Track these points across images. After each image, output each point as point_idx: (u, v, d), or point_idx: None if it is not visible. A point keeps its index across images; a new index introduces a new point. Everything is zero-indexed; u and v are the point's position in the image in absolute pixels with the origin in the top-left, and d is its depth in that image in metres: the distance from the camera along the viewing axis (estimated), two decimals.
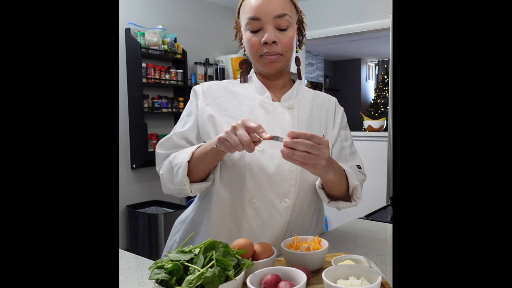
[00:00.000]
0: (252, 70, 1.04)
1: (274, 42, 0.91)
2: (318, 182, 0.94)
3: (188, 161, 0.87)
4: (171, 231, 1.10)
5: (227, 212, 0.93)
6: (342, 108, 1.07)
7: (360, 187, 0.93)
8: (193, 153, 0.88)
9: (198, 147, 0.90)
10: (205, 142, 0.95)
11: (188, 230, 1.02)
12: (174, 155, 0.92)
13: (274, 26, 0.91)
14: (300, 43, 1.05)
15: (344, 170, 0.91)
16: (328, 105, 1.05)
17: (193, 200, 1.05)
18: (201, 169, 0.89)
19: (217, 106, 0.97)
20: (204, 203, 1.00)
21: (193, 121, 0.97)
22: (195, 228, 1.00)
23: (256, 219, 0.91)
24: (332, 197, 0.94)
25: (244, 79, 1.03)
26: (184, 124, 0.98)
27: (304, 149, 0.73)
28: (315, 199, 0.98)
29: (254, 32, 0.93)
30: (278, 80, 1.00)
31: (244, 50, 1.00)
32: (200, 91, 1.00)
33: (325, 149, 0.75)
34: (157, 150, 0.97)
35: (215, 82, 1.03)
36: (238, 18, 1.00)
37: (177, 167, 0.88)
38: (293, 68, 1.05)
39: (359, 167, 1.00)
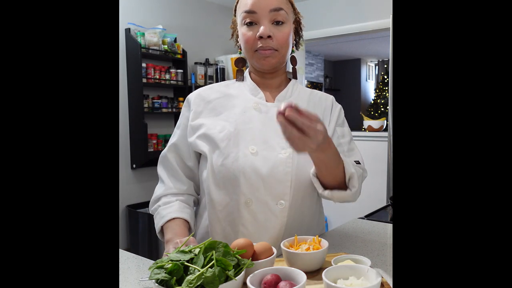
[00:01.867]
0: (247, 69, 1.04)
1: (269, 36, 0.90)
2: (312, 170, 0.92)
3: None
4: None
5: (222, 217, 0.92)
6: (339, 106, 1.06)
7: (357, 176, 0.89)
8: (163, 224, 0.95)
9: (170, 219, 0.94)
10: (200, 154, 0.98)
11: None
12: (159, 208, 0.98)
13: (269, 20, 0.91)
14: (297, 44, 1.05)
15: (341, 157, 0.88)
16: (325, 103, 1.04)
17: None
18: None
19: (211, 111, 0.97)
20: (200, 208, 1.01)
21: (179, 135, 1.01)
22: (194, 230, 1.01)
23: (253, 222, 0.90)
24: (326, 187, 0.91)
25: (240, 78, 1.03)
26: (173, 136, 1.03)
27: (300, 126, 0.68)
28: (313, 199, 0.98)
29: (249, 26, 0.92)
30: (273, 79, 1.00)
31: (240, 49, 1.00)
32: (192, 98, 1.01)
33: (319, 134, 0.70)
34: (158, 170, 1.04)
35: (209, 86, 1.04)
36: (235, 16, 1.00)
37: (155, 225, 0.97)
38: (290, 68, 1.05)
39: (357, 162, 0.98)
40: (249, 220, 0.90)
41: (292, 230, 0.93)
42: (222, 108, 0.97)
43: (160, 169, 1.03)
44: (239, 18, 0.95)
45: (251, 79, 1.01)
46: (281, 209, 0.90)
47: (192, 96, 1.02)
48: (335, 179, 0.89)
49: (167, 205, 0.97)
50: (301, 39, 1.06)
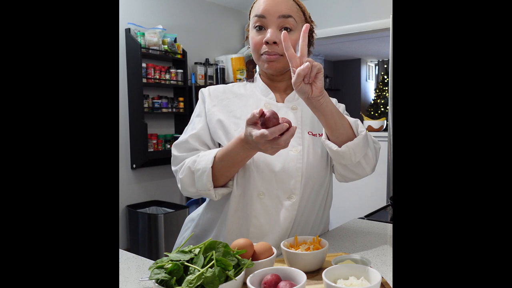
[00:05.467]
0: (258, 71, 1.07)
1: (274, 42, 0.93)
2: (323, 136, 0.93)
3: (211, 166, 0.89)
4: (181, 229, 1.12)
5: (239, 207, 0.95)
6: (342, 105, 1.09)
7: (361, 124, 0.93)
8: (214, 157, 0.89)
9: (217, 152, 0.90)
10: (219, 144, 0.97)
11: (199, 226, 1.04)
12: (192, 160, 0.93)
13: (278, 26, 0.94)
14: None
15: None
16: None
17: (194, 200, 1.07)
18: (224, 172, 0.90)
19: (224, 108, 1.00)
20: (218, 200, 1.00)
21: (203, 122, 0.99)
22: (208, 224, 1.02)
23: (264, 215, 0.94)
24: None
25: (251, 79, 1.06)
26: (195, 125, 1.00)
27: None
28: (321, 195, 1.01)
29: (259, 30, 0.96)
30: (281, 82, 1.03)
31: None
32: (207, 93, 1.03)
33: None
34: (174, 153, 0.99)
35: (221, 85, 1.06)
36: (249, 19, 1.03)
37: (199, 173, 0.90)
38: None
39: None
40: (261, 212, 0.94)
41: (300, 224, 0.97)
42: (234, 106, 1.00)
43: (180, 154, 0.97)
44: (251, 22, 0.99)
45: (261, 81, 1.04)
46: (292, 203, 0.93)
47: (205, 90, 1.04)
48: (345, 131, 0.90)
49: (202, 154, 0.93)
50: (311, 46, 1.08)
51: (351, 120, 0.94)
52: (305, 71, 0.79)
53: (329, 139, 0.92)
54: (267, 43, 0.94)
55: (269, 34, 0.93)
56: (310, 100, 0.84)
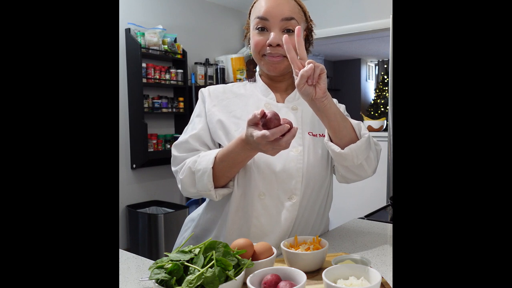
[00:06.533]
0: (258, 72, 1.07)
1: (278, 45, 0.93)
2: (326, 137, 0.93)
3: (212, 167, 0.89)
4: (181, 229, 1.12)
5: (240, 208, 0.95)
6: (343, 106, 1.09)
7: (364, 126, 0.93)
8: (215, 158, 0.89)
9: (218, 152, 0.90)
10: (219, 144, 0.97)
11: (200, 226, 1.04)
12: (193, 160, 0.93)
13: (280, 28, 0.94)
14: (306, 51, 1.07)
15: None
16: None
17: (194, 200, 1.07)
18: (225, 173, 0.90)
19: (224, 108, 1.00)
20: (218, 200, 1.00)
21: (203, 122, 0.99)
22: (208, 224, 1.02)
23: (265, 215, 0.94)
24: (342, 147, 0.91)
25: (253, 79, 1.06)
26: (195, 125, 1.00)
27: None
28: (321, 195, 1.01)
29: (260, 31, 0.95)
30: (282, 82, 1.03)
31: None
32: (207, 93, 1.03)
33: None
34: (174, 153, 0.99)
35: (220, 85, 1.06)
36: (249, 19, 1.03)
37: (200, 173, 0.90)
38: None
39: None
40: (262, 212, 0.94)
41: (301, 225, 0.97)
42: (235, 106, 1.00)
43: (180, 155, 0.97)
44: (252, 22, 0.98)
45: (262, 81, 1.04)
46: (292, 203, 0.93)
47: (205, 90, 1.04)
48: (348, 133, 0.90)
49: (202, 154, 0.93)
50: (310, 45, 1.09)
51: (354, 122, 0.94)
52: (309, 73, 0.79)
53: (331, 141, 0.92)
54: (270, 45, 0.93)
55: (272, 37, 0.93)
56: (313, 101, 0.84)
